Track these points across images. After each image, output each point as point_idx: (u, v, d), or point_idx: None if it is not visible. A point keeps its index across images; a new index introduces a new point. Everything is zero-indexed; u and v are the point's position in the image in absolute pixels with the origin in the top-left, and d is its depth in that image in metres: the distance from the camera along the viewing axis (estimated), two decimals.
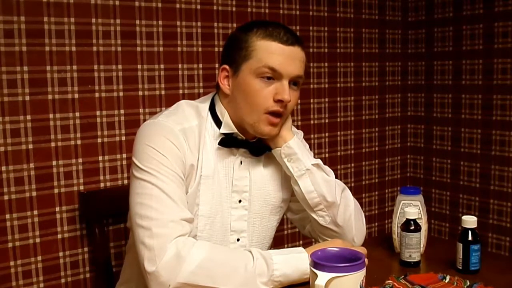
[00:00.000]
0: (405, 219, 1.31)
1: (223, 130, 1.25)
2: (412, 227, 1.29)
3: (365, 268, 0.97)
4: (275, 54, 1.18)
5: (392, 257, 1.37)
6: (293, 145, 1.28)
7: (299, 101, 2.20)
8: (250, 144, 1.28)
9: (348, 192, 1.35)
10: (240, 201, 1.29)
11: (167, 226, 1.12)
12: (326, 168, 1.33)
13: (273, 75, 1.19)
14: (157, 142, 1.17)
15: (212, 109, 1.27)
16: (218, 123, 1.26)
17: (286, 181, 1.34)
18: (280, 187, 1.35)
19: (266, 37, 1.19)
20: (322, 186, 1.28)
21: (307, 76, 2.22)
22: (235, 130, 1.25)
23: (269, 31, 1.20)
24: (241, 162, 1.28)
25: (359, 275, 0.95)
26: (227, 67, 1.23)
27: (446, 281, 1.19)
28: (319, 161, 1.31)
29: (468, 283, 1.17)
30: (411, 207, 1.34)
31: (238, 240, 1.30)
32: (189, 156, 1.19)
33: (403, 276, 1.21)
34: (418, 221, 1.31)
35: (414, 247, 1.29)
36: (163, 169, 1.15)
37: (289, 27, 1.26)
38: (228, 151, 1.26)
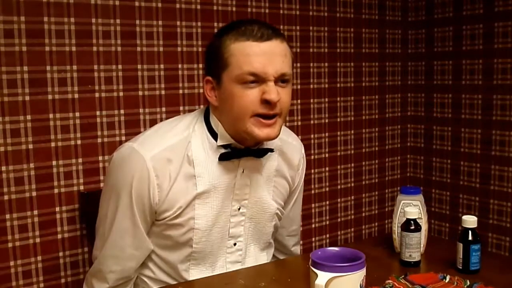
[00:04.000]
0: (405, 219, 1.31)
1: (220, 142, 1.20)
2: (412, 227, 1.29)
3: (365, 268, 0.97)
4: (252, 55, 1.10)
5: (392, 257, 1.37)
6: None
7: (299, 101, 2.20)
8: (251, 151, 1.23)
9: None
10: (239, 208, 1.28)
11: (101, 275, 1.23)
12: None
13: (256, 79, 1.11)
14: (119, 177, 1.20)
15: (207, 122, 1.23)
16: (215, 135, 1.21)
17: (277, 188, 1.34)
18: (274, 195, 1.34)
19: (239, 37, 1.11)
20: None
21: (307, 76, 2.22)
22: (232, 141, 1.20)
23: (241, 31, 1.12)
24: (243, 171, 1.25)
25: (359, 275, 0.95)
26: (210, 78, 1.17)
27: (446, 281, 1.19)
28: None
29: (468, 283, 1.17)
30: (411, 207, 1.34)
31: (235, 244, 1.30)
32: (163, 182, 1.17)
33: (403, 276, 1.21)
34: (418, 221, 1.31)
35: (414, 247, 1.29)
36: (117, 209, 1.20)
37: (264, 22, 1.18)
38: (230, 162, 1.22)
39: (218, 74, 1.15)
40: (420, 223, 1.31)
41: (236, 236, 1.29)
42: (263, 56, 1.11)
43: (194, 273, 1.26)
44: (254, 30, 1.12)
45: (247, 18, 1.13)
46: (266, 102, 1.12)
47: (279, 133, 1.19)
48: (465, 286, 1.16)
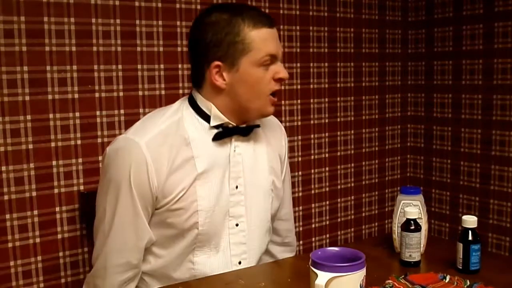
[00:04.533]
0: (405, 219, 1.31)
1: (214, 123, 1.26)
2: (412, 227, 1.29)
3: (365, 268, 0.97)
4: (269, 40, 1.22)
5: (392, 257, 1.37)
6: None
7: (299, 101, 2.21)
8: (241, 129, 1.30)
9: None
10: (237, 187, 1.30)
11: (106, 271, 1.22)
12: None
13: (272, 61, 1.24)
14: (116, 169, 1.20)
15: (195, 107, 1.28)
16: (204, 118, 1.27)
17: (272, 163, 1.39)
18: (268, 170, 1.38)
19: (256, 25, 1.21)
20: None
21: (307, 76, 2.22)
22: (225, 120, 1.26)
23: (255, 19, 1.22)
24: (235, 149, 1.30)
25: (359, 275, 0.95)
26: (220, 63, 1.22)
27: (446, 281, 1.19)
28: None
29: (468, 283, 1.17)
30: (411, 207, 1.34)
31: (237, 225, 1.31)
32: (161, 166, 1.19)
33: (403, 276, 1.21)
34: (418, 221, 1.31)
35: (414, 247, 1.29)
36: (118, 202, 1.20)
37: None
38: (223, 142, 1.28)
39: (235, 59, 1.22)
40: (420, 223, 1.31)
41: (237, 216, 1.31)
42: (274, 40, 1.24)
43: (198, 254, 1.28)
44: (263, 18, 1.24)
45: (245, 4, 1.28)
46: (279, 80, 1.26)
47: None
48: (465, 286, 1.16)
